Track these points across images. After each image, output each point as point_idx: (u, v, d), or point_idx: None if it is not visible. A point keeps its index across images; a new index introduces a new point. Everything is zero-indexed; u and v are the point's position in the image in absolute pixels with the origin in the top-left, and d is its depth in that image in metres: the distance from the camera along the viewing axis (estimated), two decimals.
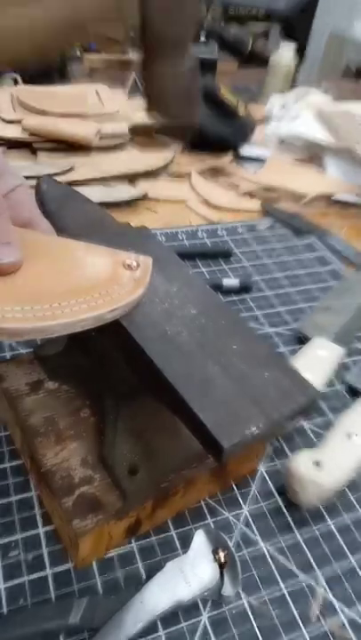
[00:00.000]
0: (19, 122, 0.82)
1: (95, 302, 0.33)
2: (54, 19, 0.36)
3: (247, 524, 0.42)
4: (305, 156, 0.96)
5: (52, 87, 0.96)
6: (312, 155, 0.96)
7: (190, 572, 0.36)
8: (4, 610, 0.35)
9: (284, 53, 1.11)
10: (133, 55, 1.25)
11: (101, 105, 0.90)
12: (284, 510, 0.43)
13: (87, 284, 0.34)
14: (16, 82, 1.06)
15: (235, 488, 0.44)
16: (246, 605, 0.37)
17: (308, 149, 0.97)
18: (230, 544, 0.38)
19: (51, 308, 0.32)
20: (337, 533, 0.42)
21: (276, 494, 0.44)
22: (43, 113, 0.83)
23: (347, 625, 0.37)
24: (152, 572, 0.36)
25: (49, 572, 0.37)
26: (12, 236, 0.33)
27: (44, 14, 0.35)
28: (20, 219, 0.35)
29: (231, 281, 0.64)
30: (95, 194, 0.73)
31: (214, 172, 0.89)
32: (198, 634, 0.35)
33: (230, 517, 0.42)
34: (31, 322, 0.31)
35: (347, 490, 0.45)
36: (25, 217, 0.35)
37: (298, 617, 0.37)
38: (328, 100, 1.09)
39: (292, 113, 1.00)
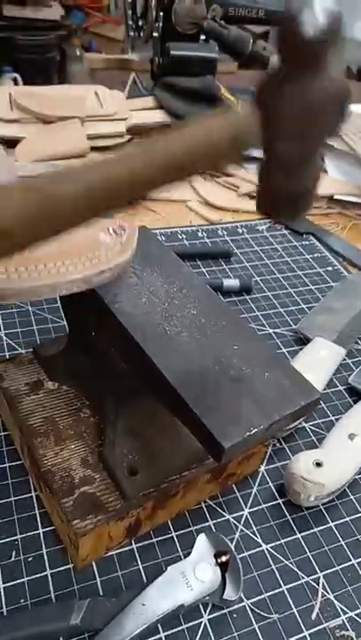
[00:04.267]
0: (17, 121, 0.82)
1: (83, 265, 0.33)
2: None
3: (248, 526, 0.42)
4: None
5: (51, 88, 0.95)
6: None
7: (192, 576, 0.36)
8: (4, 610, 0.35)
9: None
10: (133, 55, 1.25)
11: (100, 106, 0.90)
12: (285, 511, 0.43)
13: (73, 249, 0.33)
14: (16, 81, 1.06)
15: (235, 489, 0.44)
16: (247, 606, 0.37)
17: None
18: (231, 546, 0.38)
19: (36, 269, 0.31)
20: (338, 534, 0.42)
21: (276, 495, 0.44)
22: (40, 116, 0.83)
23: (347, 624, 0.37)
24: (152, 573, 0.36)
25: (49, 572, 0.37)
26: None
27: None
28: None
29: (231, 281, 0.64)
30: None
31: (214, 173, 0.89)
32: (199, 635, 0.35)
33: (231, 519, 0.42)
34: (17, 283, 0.30)
35: (347, 490, 0.45)
36: None
37: (299, 617, 0.37)
38: None
39: None
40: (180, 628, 0.35)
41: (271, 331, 0.61)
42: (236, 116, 0.27)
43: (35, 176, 0.23)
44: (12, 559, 0.37)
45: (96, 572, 0.37)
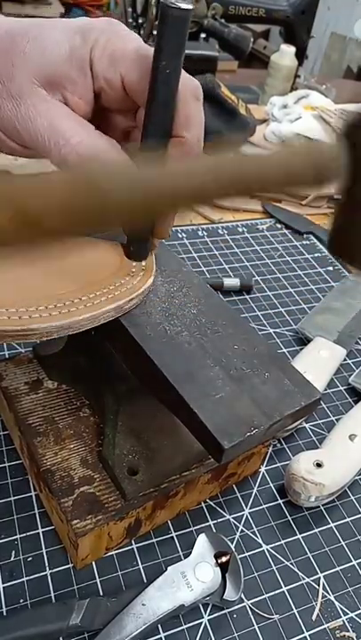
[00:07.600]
0: None
1: (113, 293, 0.33)
2: None
3: (248, 526, 0.41)
4: None
5: None
6: None
7: (192, 576, 0.35)
8: (4, 610, 0.35)
9: (285, 54, 1.11)
10: None
11: None
12: (286, 511, 0.43)
13: (101, 277, 0.34)
14: None
15: (235, 489, 0.44)
16: (247, 607, 0.37)
17: None
18: (232, 546, 0.38)
19: (73, 303, 0.32)
20: (338, 534, 0.42)
21: (277, 495, 0.44)
22: None
23: (347, 625, 0.37)
24: (152, 573, 0.36)
25: (48, 572, 0.37)
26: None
27: None
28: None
29: (232, 281, 0.64)
30: None
31: None
32: (199, 636, 0.35)
33: (231, 519, 0.42)
34: (59, 319, 0.31)
35: (348, 490, 0.45)
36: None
37: (299, 618, 0.37)
38: (329, 100, 1.09)
39: (293, 113, 0.99)
40: (180, 629, 0.35)
41: (272, 330, 0.61)
42: (320, 147, 0.26)
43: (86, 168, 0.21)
44: (12, 559, 0.37)
45: (96, 572, 0.37)
